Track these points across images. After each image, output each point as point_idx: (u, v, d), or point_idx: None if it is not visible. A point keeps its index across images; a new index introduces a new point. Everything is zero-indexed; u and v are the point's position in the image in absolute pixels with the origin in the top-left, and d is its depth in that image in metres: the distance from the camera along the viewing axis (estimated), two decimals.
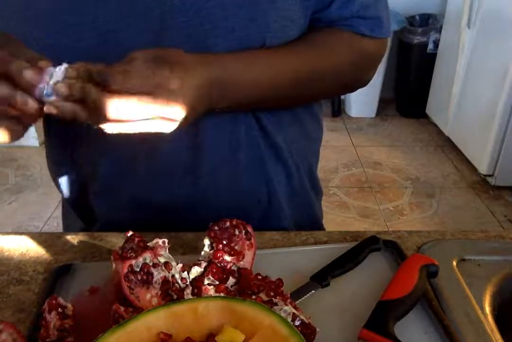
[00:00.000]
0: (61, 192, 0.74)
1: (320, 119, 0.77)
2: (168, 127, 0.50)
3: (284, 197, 0.71)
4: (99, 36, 0.55)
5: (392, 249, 0.61)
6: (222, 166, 0.66)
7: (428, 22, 2.97)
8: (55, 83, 0.46)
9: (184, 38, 0.56)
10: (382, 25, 0.66)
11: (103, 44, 0.55)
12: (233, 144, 0.65)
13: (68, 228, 0.81)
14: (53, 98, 0.46)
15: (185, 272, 0.51)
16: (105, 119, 0.47)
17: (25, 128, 0.50)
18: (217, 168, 0.65)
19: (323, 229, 0.83)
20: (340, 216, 2.26)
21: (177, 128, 0.51)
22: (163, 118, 0.49)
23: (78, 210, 0.75)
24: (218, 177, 0.66)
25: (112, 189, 0.68)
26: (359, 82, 0.71)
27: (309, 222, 0.79)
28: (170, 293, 0.48)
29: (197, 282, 0.50)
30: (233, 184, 0.67)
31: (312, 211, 0.79)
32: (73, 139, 0.66)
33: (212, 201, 0.67)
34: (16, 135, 0.49)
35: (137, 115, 0.47)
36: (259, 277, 0.51)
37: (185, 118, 0.50)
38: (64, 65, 0.46)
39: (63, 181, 0.72)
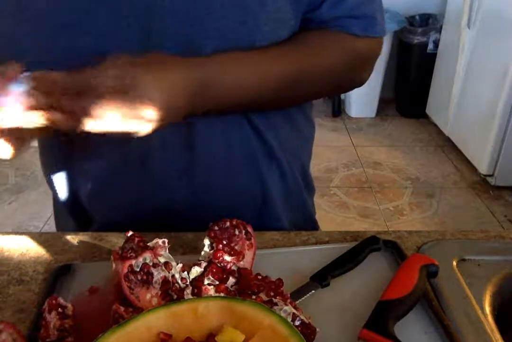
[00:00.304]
0: (54, 193, 0.74)
1: (312, 118, 0.78)
2: (142, 128, 0.50)
3: (279, 196, 0.72)
4: (97, 37, 0.55)
5: (392, 249, 0.61)
6: (216, 167, 0.66)
7: (428, 22, 2.97)
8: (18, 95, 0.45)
9: (176, 40, 0.56)
10: (375, 24, 0.65)
11: (101, 45, 0.55)
12: (226, 144, 0.65)
13: (62, 229, 0.80)
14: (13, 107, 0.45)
15: (185, 272, 0.51)
16: (76, 122, 0.47)
17: (25, 143, 0.50)
18: (212, 169, 0.65)
19: (317, 226, 0.83)
20: (340, 216, 2.26)
21: (156, 129, 0.51)
22: (135, 117, 0.48)
23: (72, 211, 0.74)
24: (213, 177, 0.66)
25: (106, 192, 0.68)
26: (353, 82, 0.71)
27: (303, 219, 0.79)
28: (170, 293, 0.48)
29: (197, 282, 0.50)
30: (228, 184, 0.67)
31: (306, 209, 0.80)
32: (64, 142, 0.66)
33: (208, 201, 0.67)
34: (17, 150, 0.49)
35: (108, 116, 0.47)
36: (259, 277, 0.51)
37: (161, 119, 0.50)
38: (24, 75, 0.46)
39: (57, 182, 0.72)
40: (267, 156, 0.68)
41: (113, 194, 0.68)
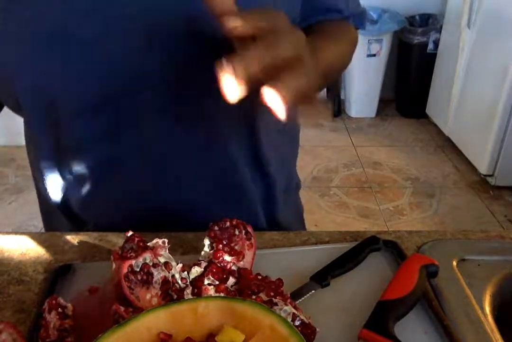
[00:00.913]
0: (44, 196, 0.73)
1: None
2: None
3: (260, 203, 0.72)
4: (96, 38, 0.54)
5: (392, 249, 0.61)
6: (219, 177, 0.66)
7: (428, 22, 2.97)
8: None
9: (178, 43, 0.55)
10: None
11: (100, 46, 0.55)
12: (234, 156, 0.65)
13: (53, 229, 0.80)
14: None
15: (185, 272, 0.51)
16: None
17: None
18: (212, 178, 0.66)
19: (303, 219, 0.85)
20: (340, 216, 2.26)
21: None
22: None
23: (64, 214, 0.73)
24: (211, 185, 0.67)
25: (100, 201, 0.68)
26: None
27: (293, 218, 0.80)
28: (170, 293, 0.48)
29: (197, 282, 0.50)
30: (225, 191, 0.68)
31: (292, 208, 0.80)
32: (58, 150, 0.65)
33: (205, 208, 0.68)
34: None
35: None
36: (259, 277, 0.51)
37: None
38: None
39: (48, 187, 0.70)
40: (258, 166, 0.69)
41: (106, 205, 0.67)
